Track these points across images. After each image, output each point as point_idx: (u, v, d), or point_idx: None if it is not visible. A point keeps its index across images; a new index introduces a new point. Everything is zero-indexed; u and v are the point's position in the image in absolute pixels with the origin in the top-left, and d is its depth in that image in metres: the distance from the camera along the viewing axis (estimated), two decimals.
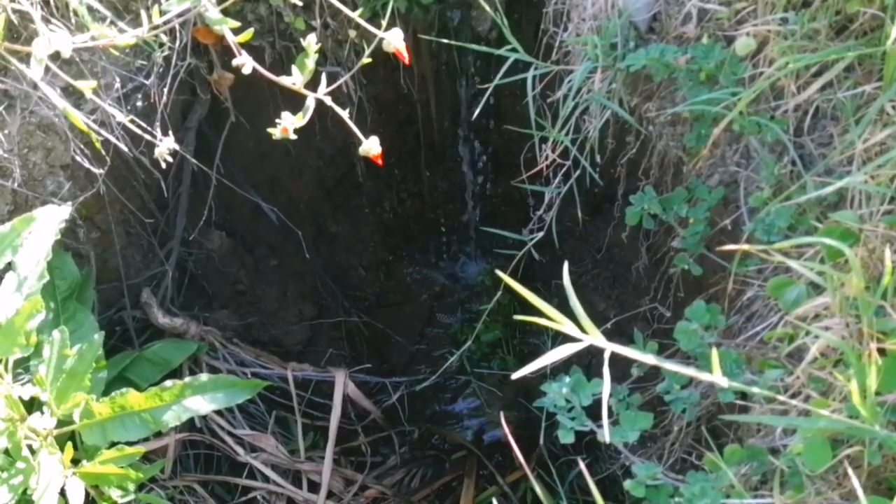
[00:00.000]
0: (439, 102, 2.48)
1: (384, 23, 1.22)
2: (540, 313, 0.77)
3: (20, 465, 1.51)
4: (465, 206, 2.74)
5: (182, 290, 2.46)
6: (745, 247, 0.90)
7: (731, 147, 1.34)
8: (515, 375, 0.78)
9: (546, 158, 1.56)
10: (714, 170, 1.39)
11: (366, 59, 1.26)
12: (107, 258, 2.20)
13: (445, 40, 1.81)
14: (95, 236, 2.12)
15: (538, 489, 1.22)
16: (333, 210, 2.74)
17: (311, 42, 1.26)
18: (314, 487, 2.24)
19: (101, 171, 1.66)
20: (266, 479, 2.22)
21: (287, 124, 1.22)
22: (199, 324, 2.28)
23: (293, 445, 2.30)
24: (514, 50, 1.48)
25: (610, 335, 0.76)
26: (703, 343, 1.12)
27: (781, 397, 0.89)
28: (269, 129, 1.24)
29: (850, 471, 0.76)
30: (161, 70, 1.68)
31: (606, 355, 0.73)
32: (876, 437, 0.78)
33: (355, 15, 1.23)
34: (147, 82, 1.67)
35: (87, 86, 1.33)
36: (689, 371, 0.75)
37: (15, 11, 1.43)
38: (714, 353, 0.74)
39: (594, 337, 0.75)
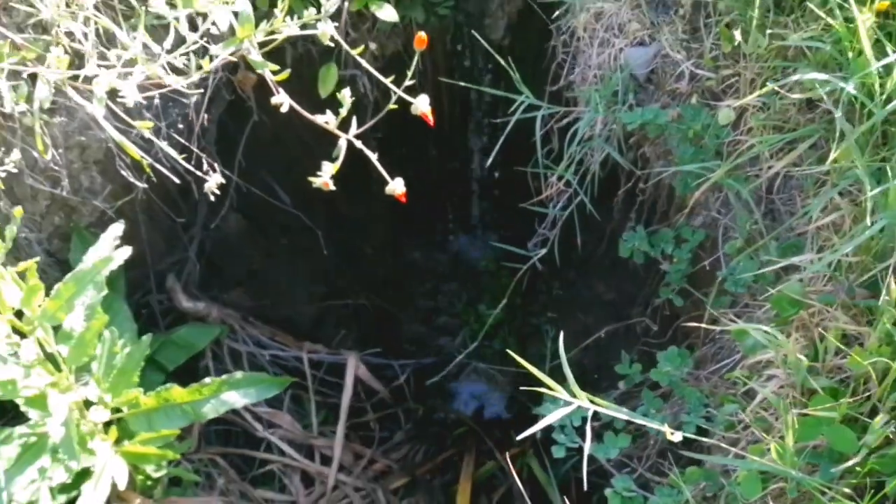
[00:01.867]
0: (451, 94, 2.73)
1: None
2: (537, 374, 1.06)
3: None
4: (471, 190, 3.00)
5: (200, 270, 2.75)
6: (703, 326, 1.19)
7: (713, 194, 1.61)
8: (520, 437, 1.07)
9: (552, 186, 1.83)
10: (699, 211, 1.67)
11: (391, 106, 1.53)
12: (133, 245, 2.48)
13: (462, 83, 2.03)
14: (126, 227, 2.40)
15: (534, 465, 1.53)
16: (344, 193, 3.00)
17: (346, 95, 1.53)
18: (326, 461, 2.57)
19: (144, 185, 1.92)
20: (282, 452, 2.55)
21: (326, 177, 1.49)
22: (219, 307, 2.58)
23: (307, 422, 2.63)
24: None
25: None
26: (676, 378, 1.42)
27: (716, 439, 1.19)
28: (310, 178, 1.51)
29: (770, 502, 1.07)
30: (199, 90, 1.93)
31: (590, 414, 1.03)
32: (793, 477, 1.08)
33: (388, 81, 1.48)
34: (186, 101, 1.92)
35: (145, 125, 1.59)
36: (641, 420, 1.05)
37: (74, 50, 1.67)
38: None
39: (582, 400, 1.05)
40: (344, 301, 2.94)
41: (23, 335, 1.49)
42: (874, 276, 1.15)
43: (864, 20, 1.11)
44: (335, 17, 2.01)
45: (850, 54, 1.16)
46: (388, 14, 1.94)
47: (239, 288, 2.81)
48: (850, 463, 1.07)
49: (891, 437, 1.07)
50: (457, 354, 2.62)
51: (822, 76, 1.14)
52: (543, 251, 1.93)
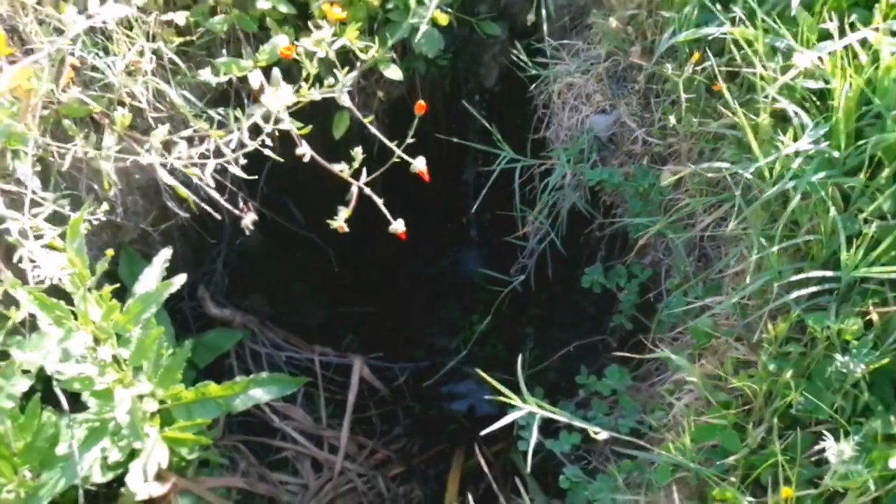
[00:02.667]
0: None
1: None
2: (501, 392, 1.43)
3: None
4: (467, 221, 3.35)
5: (224, 280, 3.12)
6: (635, 356, 1.56)
7: (659, 239, 1.98)
8: (483, 432, 1.44)
9: (530, 223, 2.20)
10: (648, 252, 2.03)
11: (394, 159, 1.89)
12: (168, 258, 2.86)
13: (456, 138, 2.38)
14: (161, 241, 2.77)
15: (516, 457, 1.88)
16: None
17: (358, 152, 1.89)
18: (333, 450, 2.93)
19: (186, 214, 2.28)
20: (295, 441, 2.92)
21: (340, 221, 1.85)
22: (242, 314, 2.95)
23: (317, 415, 3.00)
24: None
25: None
26: (620, 389, 1.78)
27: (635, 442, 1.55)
28: (329, 221, 1.87)
29: (674, 487, 1.44)
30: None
31: (536, 421, 1.39)
32: (692, 469, 1.45)
33: (393, 146, 1.84)
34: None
35: (193, 174, 1.96)
36: (580, 423, 1.42)
37: (134, 107, 2.04)
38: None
39: (532, 406, 1.41)
40: (351, 309, 3.31)
41: (97, 341, 1.86)
42: (762, 316, 1.51)
43: (762, 120, 1.47)
44: (350, 62, 2.38)
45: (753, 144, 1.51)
46: (394, 73, 2.29)
47: (258, 295, 3.18)
48: (735, 458, 1.44)
49: (765, 439, 1.43)
50: (451, 359, 2.99)
51: (725, 164, 1.50)
52: (522, 277, 2.30)
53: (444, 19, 2.20)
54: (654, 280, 2.03)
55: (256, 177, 2.02)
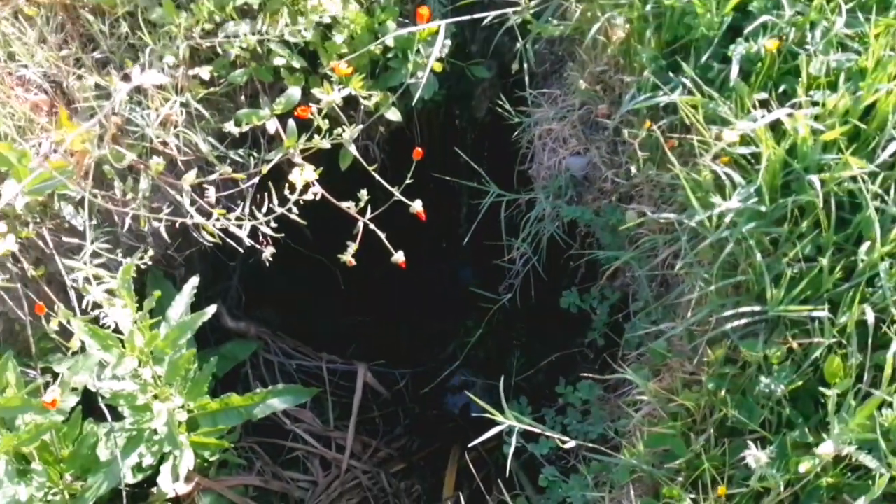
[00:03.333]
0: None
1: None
2: (489, 411, 1.71)
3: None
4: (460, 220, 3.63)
5: (239, 293, 3.41)
6: (597, 377, 1.84)
7: (628, 265, 2.26)
8: (470, 445, 1.72)
9: (516, 249, 2.48)
10: (619, 276, 2.32)
11: (393, 200, 2.17)
12: (188, 276, 3.14)
13: (451, 167, 2.66)
14: (182, 262, 3.05)
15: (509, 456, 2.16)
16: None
17: (363, 194, 2.17)
18: (340, 449, 3.23)
19: (210, 243, 2.56)
20: (305, 442, 3.21)
21: (348, 256, 2.14)
22: (256, 326, 3.24)
23: (325, 418, 3.29)
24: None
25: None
26: (591, 400, 2.07)
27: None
28: (339, 255, 2.15)
29: (631, 486, 1.73)
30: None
31: (514, 436, 1.68)
32: (645, 470, 1.74)
33: (396, 191, 2.12)
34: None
35: (221, 213, 2.24)
36: (550, 433, 1.70)
37: (165, 154, 2.31)
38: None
39: (512, 421, 1.70)
40: (355, 320, 3.60)
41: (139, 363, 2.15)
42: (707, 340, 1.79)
43: (704, 177, 1.75)
44: (354, 107, 2.65)
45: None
46: (393, 115, 2.57)
47: (270, 308, 3.47)
48: (681, 462, 1.73)
49: (705, 447, 1.72)
50: (448, 365, 3.28)
51: (672, 215, 1.78)
52: (509, 295, 2.58)
53: (439, 67, 2.48)
54: (623, 301, 2.31)
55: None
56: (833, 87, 1.66)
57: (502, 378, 1.80)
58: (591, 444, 1.84)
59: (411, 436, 3.45)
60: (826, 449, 1.43)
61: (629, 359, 2.20)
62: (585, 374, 2.09)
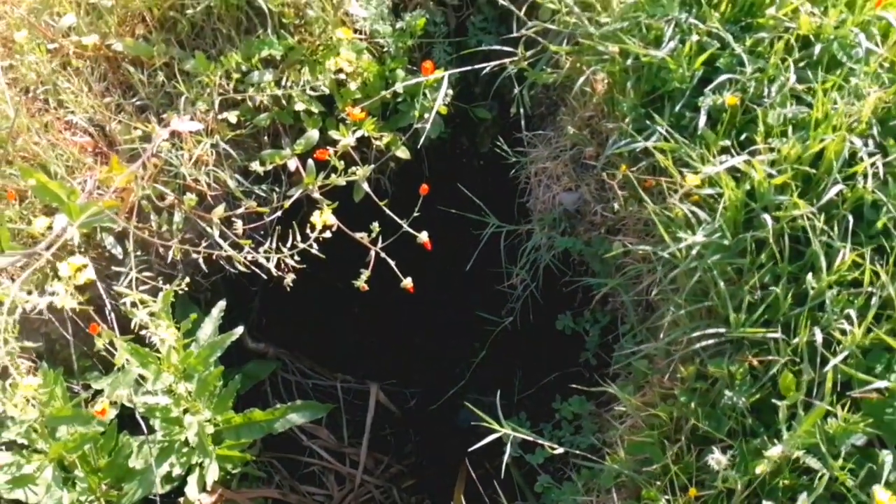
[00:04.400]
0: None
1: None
2: (486, 420, 1.95)
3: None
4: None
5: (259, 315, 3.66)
6: (587, 388, 2.08)
7: (616, 291, 2.49)
8: (470, 450, 1.95)
9: (515, 276, 2.73)
10: (609, 300, 2.55)
11: (401, 231, 2.42)
12: (213, 300, 3.40)
13: (453, 210, 2.91)
14: (207, 286, 3.31)
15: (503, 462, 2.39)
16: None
17: (375, 226, 2.42)
18: (354, 465, 3.46)
19: (236, 270, 2.81)
20: (321, 457, 3.45)
21: (361, 282, 2.39)
22: (275, 347, 3.49)
23: (339, 434, 3.52)
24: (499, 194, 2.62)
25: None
26: (583, 413, 2.31)
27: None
28: (353, 282, 2.40)
29: (615, 491, 1.95)
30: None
31: (509, 445, 1.91)
32: (627, 475, 1.96)
33: (404, 223, 2.38)
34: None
35: (247, 243, 2.50)
36: (541, 440, 1.94)
37: (197, 190, 2.58)
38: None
39: (510, 431, 1.93)
40: (368, 341, 3.85)
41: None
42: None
43: (675, 213, 1.99)
44: (367, 145, 2.91)
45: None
46: (403, 153, 2.83)
47: (288, 329, 3.71)
48: (658, 466, 1.95)
49: (679, 454, 1.94)
50: (455, 384, 3.51)
51: (649, 247, 2.02)
52: (510, 318, 2.83)
53: (444, 110, 2.74)
54: (614, 323, 2.55)
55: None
56: (787, 135, 1.91)
57: (498, 393, 2.04)
58: (579, 452, 2.07)
59: (421, 452, 3.67)
60: (775, 452, 1.66)
61: (619, 376, 2.43)
62: (575, 386, 2.32)
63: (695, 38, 2.04)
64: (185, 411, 2.49)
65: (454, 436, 3.79)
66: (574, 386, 2.29)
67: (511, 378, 3.61)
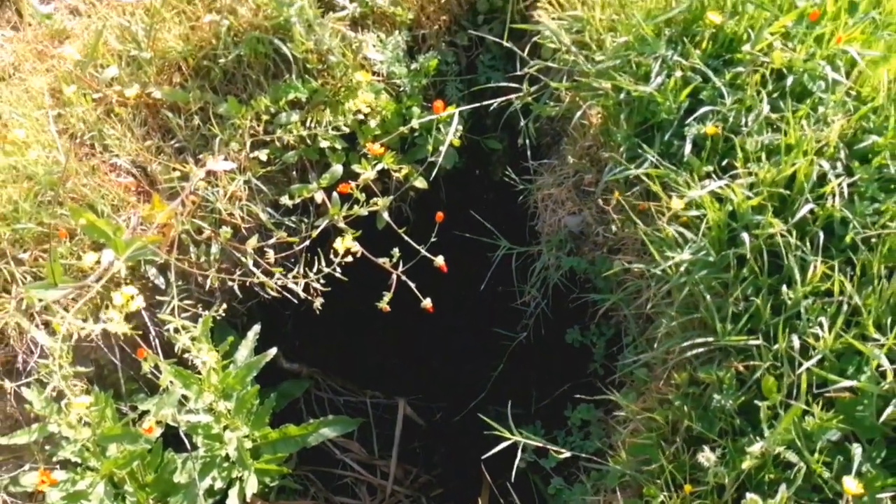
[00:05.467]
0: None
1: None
2: (497, 430, 2.14)
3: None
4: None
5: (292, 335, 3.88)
6: (593, 398, 2.27)
7: (619, 306, 2.68)
8: (483, 457, 2.15)
9: (527, 294, 2.92)
10: (614, 314, 2.74)
11: (419, 256, 2.63)
12: (249, 324, 3.63)
13: (467, 234, 3.12)
14: (243, 311, 3.54)
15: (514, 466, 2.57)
16: None
17: (395, 252, 2.63)
18: (385, 476, 3.66)
19: (269, 296, 3.04)
20: (353, 470, 3.65)
21: (384, 303, 2.60)
22: (307, 366, 3.71)
23: (370, 447, 3.73)
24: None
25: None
26: (592, 420, 2.49)
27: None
28: (376, 304, 2.62)
29: (618, 490, 2.13)
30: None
31: (520, 449, 2.10)
32: (629, 474, 2.14)
33: (422, 248, 2.59)
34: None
35: (278, 270, 2.73)
36: (552, 446, 2.13)
37: (231, 223, 2.82)
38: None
39: (521, 438, 2.12)
40: (395, 359, 4.06)
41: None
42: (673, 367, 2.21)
43: (666, 234, 2.18)
44: (388, 176, 3.13)
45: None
46: (420, 183, 3.05)
47: (320, 349, 3.94)
48: (656, 466, 2.13)
49: (676, 453, 2.12)
50: (476, 397, 3.70)
51: (642, 265, 2.21)
52: (525, 334, 3.02)
53: (457, 143, 2.95)
54: (618, 336, 2.73)
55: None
56: (765, 159, 2.09)
57: (510, 403, 2.23)
58: (585, 456, 2.26)
59: (448, 462, 3.86)
60: (755, 449, 1.84)
61: (624, 384, 2.61)
62: (580, 396, 2.51)
63: (679, 73, 2.24)
64: (225, 428, 2.71)
65: (477, 444, 3.99)
66: (579, 396, 2.47)
67: (528, 390, 3.79)
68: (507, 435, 2.13)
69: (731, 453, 1.97)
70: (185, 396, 2.61)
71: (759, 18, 2.22)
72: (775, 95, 2.15)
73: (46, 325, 2.64)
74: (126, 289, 2.15)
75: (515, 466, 2.15)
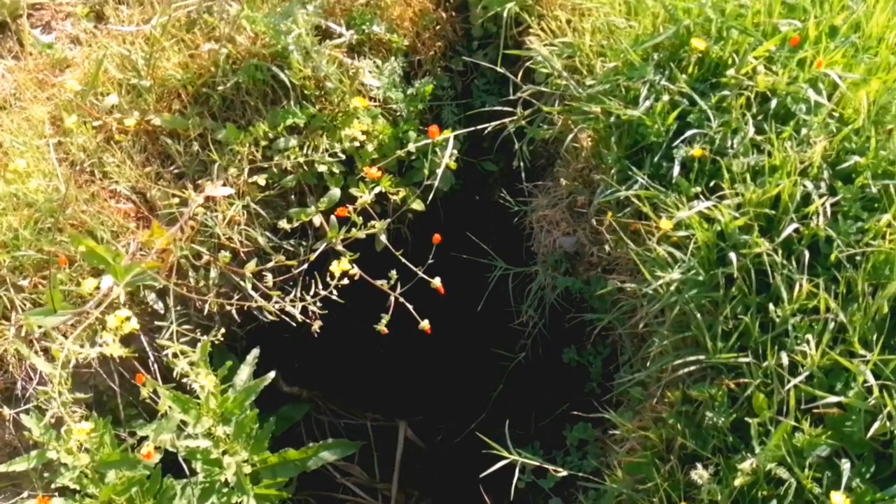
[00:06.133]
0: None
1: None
2: (495, 449, 2.19)
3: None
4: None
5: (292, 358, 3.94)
6: (588, 415, 2.32)
7: (619, 323, 2.73)
8: (482, 475, 2.20)
9: (524, 314, 2.98)
10: (610, 334, 2.79)
11: (417, 277, 2.69)
12: (248, 348, 3.69)
13: (464, 255, 3.19)
14: (243, 335, 3.60)
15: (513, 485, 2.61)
16: None
17: (393, 274, 2.70)
18: (386, 500, 3.70)
19: (268, 321, 3.10)
20: (354, 494, 3.69)
21: (382, 325, 2.66)
22: (308, 390, 3.77)
23: (371, 470, 3.77)
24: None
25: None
26: (589, 439, 2.54)
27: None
28: (375, 326, 2.67)
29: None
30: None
31: (518, 468, 2.15)
32: (625, 492, 2.19)
33: (419, 270, 2.65)
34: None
35: (277, 294, 2.79)
36: (548, 465, 2.18)
37: (230, 247, 2.88)
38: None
39: (518, 457, 2.17)
40: (395, 380, 4.11)
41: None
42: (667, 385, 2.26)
43: (657, 254, 2.24)
44: (385, 198, 3.19)
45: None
46: (418, 205, 3.12)
47: (319, 372, 3.99)
48: (652, 484, 2.18)
49: (671, 470, 2.17)
50: (476, 418, 3.75)
51: (633, 285, 2.27)
52: (523, 354, 3.07)
53: (453, 165, 3.02)
54: (614, 354, 2.79)
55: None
56: (751, 180, 2.16)
57: (507, 423, 2.29)
58: (581, 475, 2.31)
59: (447, 483, 3.90)
60: (746, 465, 1.89)
61: (621, 403, 2.66)
62: (577, 413, 2.56)
63: (667, 97, 2.31)
64: (224, 453, 2.75)
65: (478, 464, 4.02)
66: (576, 413, 2.52)
67: (528, 410, 3.84)
68: (505, 454, 2.18)
69: (723, 470, 2.02)
70: (183, 421, 2.66)
71: (743, 43, 2.29)
72: (760, 118, 2.22)
73: (45, 351, 2.70)
74: (120, 311, 2.21)
75: (514, 486, 2.20)
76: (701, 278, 2.13)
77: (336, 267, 2.49)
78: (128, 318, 2.17)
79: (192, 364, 2.34)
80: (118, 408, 3.03)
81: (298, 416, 3.62)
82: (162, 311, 2.93)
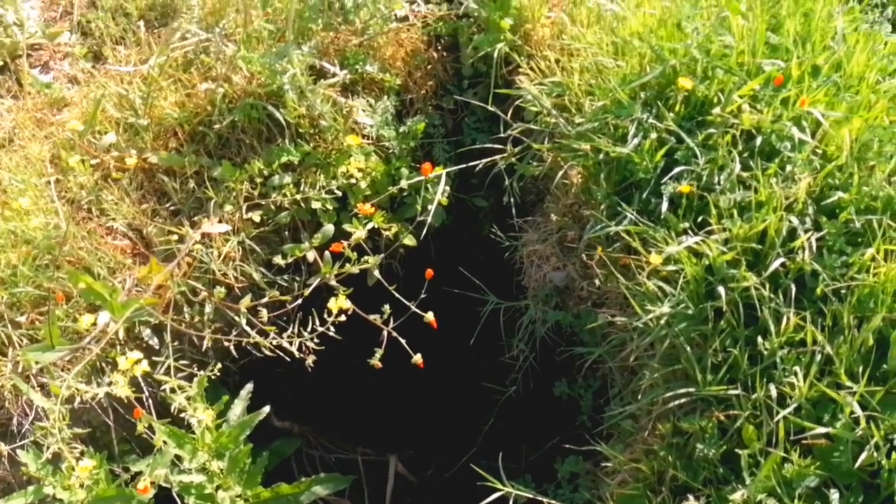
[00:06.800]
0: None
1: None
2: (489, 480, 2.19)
3: None
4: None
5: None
6: (580, 448, 2.32)
7: (609, 356, 2.75)
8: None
9: (515, 348, 2.99)
10: (600, 367, 2.81)
11: (410, 312, 2.70)
12: (242, 383, 3.68)
13: (456, 290, 3.21)
14: (236, 370, 3.59)
15: None
16: None
17: (386, 308, 2.71)
18: None
19: (262, 355, 3.10)
20: None
21: (375, 360, 2.66)
22: (299, 425, 3.75)
23: None
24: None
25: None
26: (580, 472, 2.54)
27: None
28: (368, 360, 2.68)
29: None
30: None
31: (511, 500, 2.15)
32: None
33: (412, 305, 2.66)
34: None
35: (271, 329, 2.79)
36: (541, 497, 2.17)
37: (225, 283, 2.89)
38: None
39: (512, 489, 2.17)
40: (387, 414, 4.10)
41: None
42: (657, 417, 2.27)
43: (647, 288, 2.26)
44: (378, 234, 3.21)
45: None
46: (410, 241, 3.14)
47: (311, 406, 3.97)
48: None
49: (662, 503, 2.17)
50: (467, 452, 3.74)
51: (624, 319, 2.29)
52: (514, 388, 3.08)
53: (445, 201, 3.05)
54: (604, 387, 2.80)
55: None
56: (738, 215, 2.20)
57: (500, 456, 2.29)
58: None
59: None
60: (737, 497, 1.90)
61: (612, 436, 2.67)
62: (570, 447, 2.56)
63: (655, 135, 2.36)
64: (218, 488, 2.74)
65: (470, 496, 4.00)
66: (568, 446, 2.53)
67: (519, 443, 3.83)
68: (500, 486, 2.18)
69: (715, 501, 2.03)
70: (177, 456, 2.64)
71: (728, 83, 2.34)
72: (746, 155, 2.27)
73: (42, 387, 2.69)
74: (132, 354, 2.22)
75: None
76: (690, 312, 2.15)
77: (333, 304, 2.50)
78: (138, 361, 2.17)
79: (189, 398, 2.33)
80: (112, 443, 3.00)
81: (290, 451, 3.60)
82: (157, 347, 2.92)
